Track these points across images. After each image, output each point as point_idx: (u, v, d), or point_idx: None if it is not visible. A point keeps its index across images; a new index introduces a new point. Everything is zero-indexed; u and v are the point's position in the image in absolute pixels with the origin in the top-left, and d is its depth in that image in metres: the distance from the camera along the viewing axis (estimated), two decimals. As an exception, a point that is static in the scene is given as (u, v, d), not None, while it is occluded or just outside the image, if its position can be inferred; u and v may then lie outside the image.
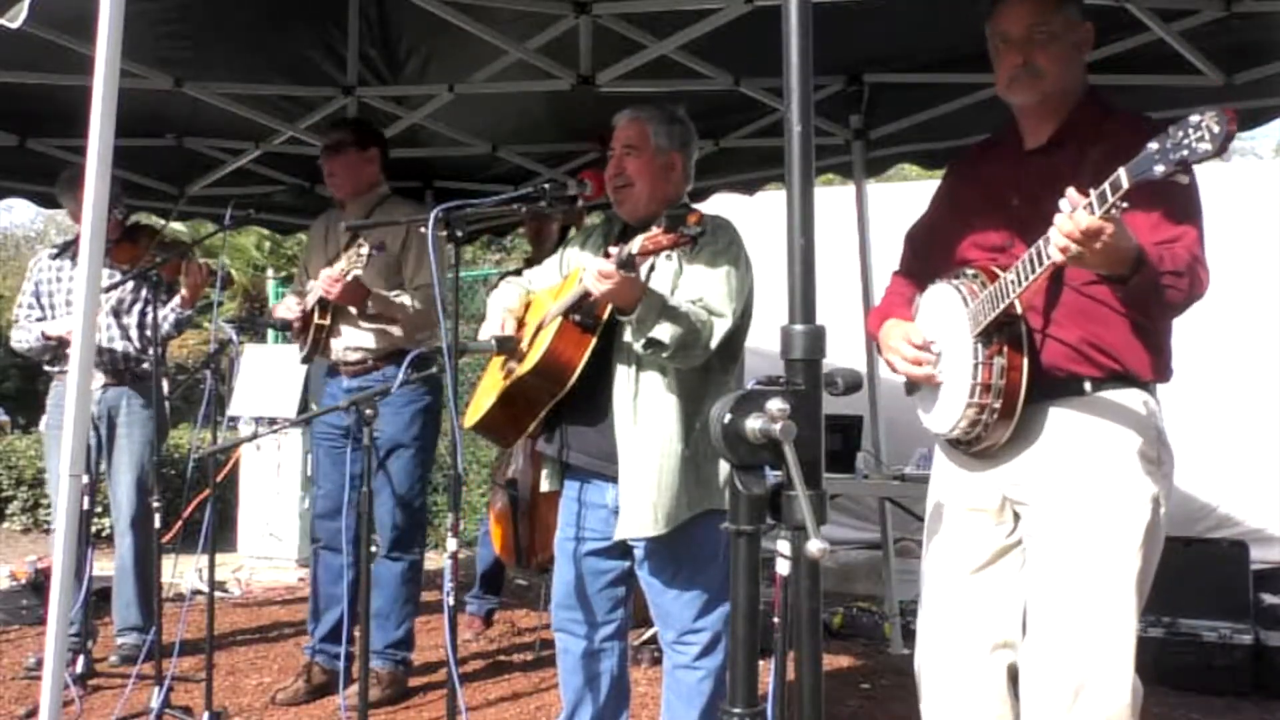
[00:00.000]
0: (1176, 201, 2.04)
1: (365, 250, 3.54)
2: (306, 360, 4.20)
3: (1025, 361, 2.09)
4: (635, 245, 2.36)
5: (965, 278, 2.18)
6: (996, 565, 2.25)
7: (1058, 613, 2.12)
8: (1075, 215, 1.80)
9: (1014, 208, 2.21)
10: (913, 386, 2.34)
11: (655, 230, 2.32)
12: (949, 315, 2.19)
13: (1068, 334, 2.13)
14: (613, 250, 2.44)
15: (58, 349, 4.29)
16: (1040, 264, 1.94)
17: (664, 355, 2.49)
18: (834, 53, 4.02)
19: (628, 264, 2.38)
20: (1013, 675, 2.23)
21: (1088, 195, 1.80)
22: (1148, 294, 1.97)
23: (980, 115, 4.15)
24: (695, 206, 2.55)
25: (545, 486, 2.89)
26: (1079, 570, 2.10)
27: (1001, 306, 2.04)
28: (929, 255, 2.41)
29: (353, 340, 3.93)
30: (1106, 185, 1.77)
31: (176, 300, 4.22)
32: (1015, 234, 2.17)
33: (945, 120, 4.50)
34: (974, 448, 2.21)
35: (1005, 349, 2.08)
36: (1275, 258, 5.72)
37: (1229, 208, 5.09)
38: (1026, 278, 1.98)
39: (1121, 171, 1.74)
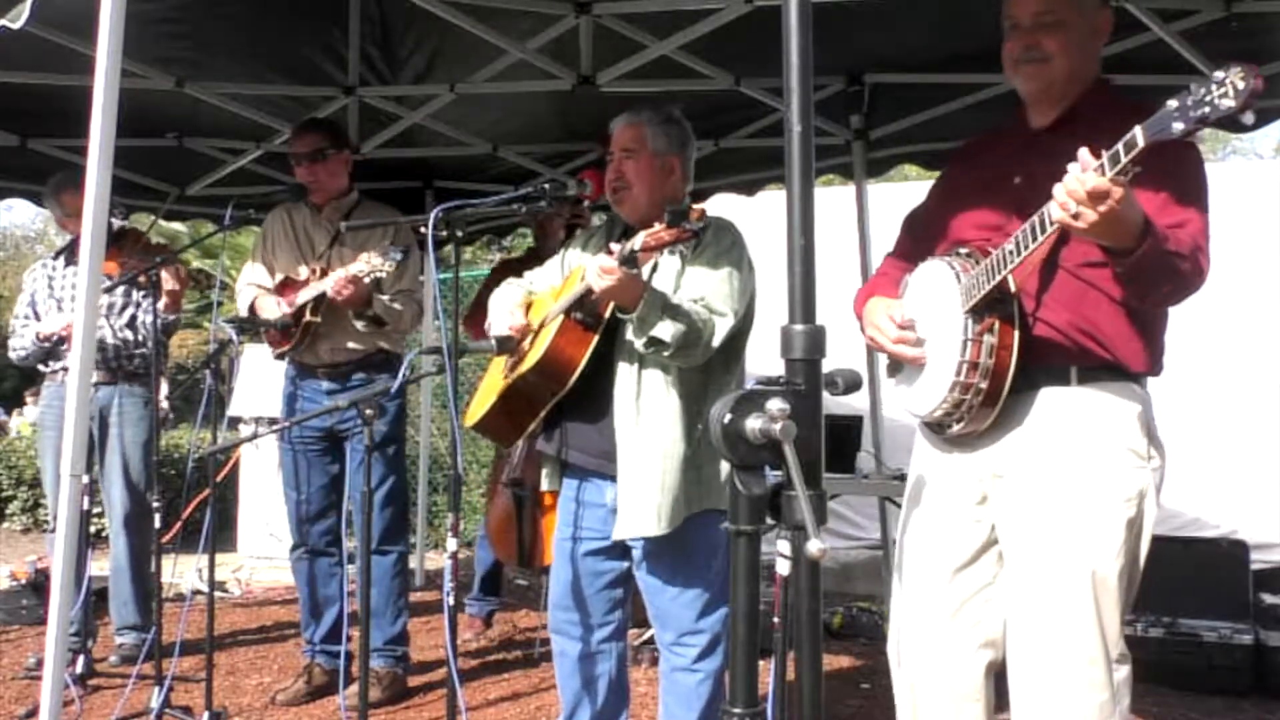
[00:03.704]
0: (1185, 187, 1.99)
1: (395, 256, 3.48)
2: (281, 358, 4.07)
3: (1016, 341, 2.01)
4: (638, 241, 2.35)
5: (959, 256, 2.12)
6: (979, 563, 2.19)
7: (1034, 609, 2.06)
8: (1083, 175, 1.73)
9: (1016, 186, 2.14)
10: (895, 366, 2.29)
11: (658, 226, 2.32)
12: (940, 292, 2.12)
13: (1056, 317, 2.07)
14: (614, 246, 2.44)
15: (54, 347, 4.29)
16: (1043, 231, 1.86)
17: (666, 354, 2.48)
18: (834, 53, 4.01)
19: (630, 260, 2.37)
20: (990, 672, 2.18)
21: (1100, 158, 1.73)
22: (1150, 271, 1.87)
23: (980, 115, 4.15)
24: (697, 205, 2.55)
25: (544, 486, 2.89)
26: (1057, 565, 2.04)
27: (997, 279, 1.97)
28: (925, 238, 2.34)
29: (340, 342, 3.92)
30: (1120, 145, 1.69)
31: (160, 304, 4.17)
32: (1014, 212, 2.09)
33: (945, 120, 4.50)
34: (951, 431, 2.14)
35: (997, 326, 2.01)
36: (1275, 258, 5.71)
37: (1228, 208, 5.09)
38: (1026, 246, 1.91)
39: (1137, 129, 1.66)
